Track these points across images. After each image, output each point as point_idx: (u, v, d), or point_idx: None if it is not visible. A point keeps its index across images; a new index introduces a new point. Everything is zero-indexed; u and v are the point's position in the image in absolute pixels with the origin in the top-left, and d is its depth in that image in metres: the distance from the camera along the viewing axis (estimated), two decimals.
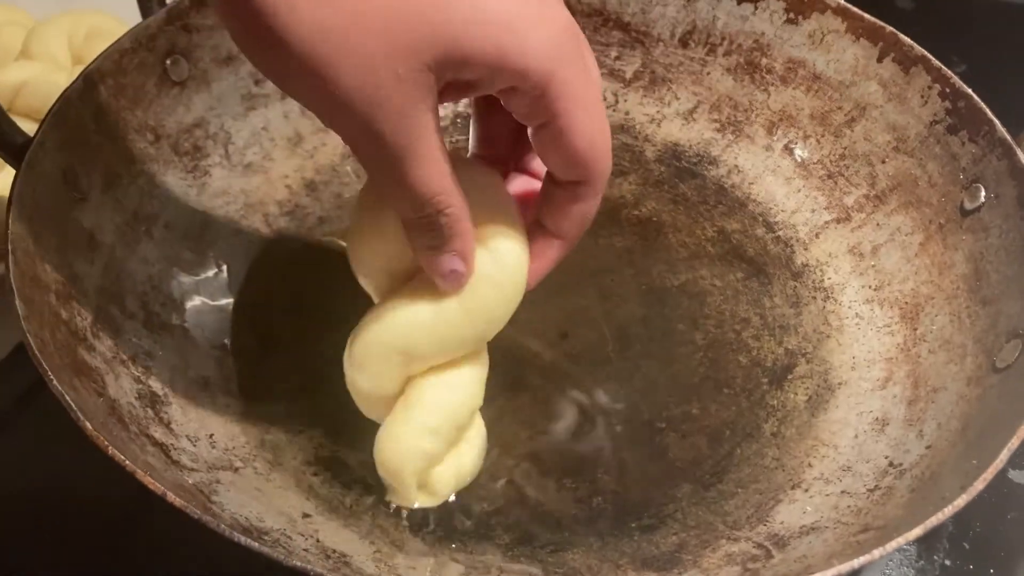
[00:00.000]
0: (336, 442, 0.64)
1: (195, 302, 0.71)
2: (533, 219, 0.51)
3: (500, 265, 0.50)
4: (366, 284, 0.55)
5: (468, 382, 0.56)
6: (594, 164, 0.45)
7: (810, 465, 0.64)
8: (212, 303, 0.71)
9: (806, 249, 0.78)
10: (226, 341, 0.70)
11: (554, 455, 0.64)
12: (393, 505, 0.60)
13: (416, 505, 0.60)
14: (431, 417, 0.54)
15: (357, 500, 0.61)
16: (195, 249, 0.73)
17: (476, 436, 0.61)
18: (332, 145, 0.83)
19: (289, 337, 0.70)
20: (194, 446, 0.60)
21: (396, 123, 0.39)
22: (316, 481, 0.62)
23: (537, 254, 0.51)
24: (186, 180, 0.75)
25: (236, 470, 0.61)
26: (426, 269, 0.49)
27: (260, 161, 0.80)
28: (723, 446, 0.66)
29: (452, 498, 0.60)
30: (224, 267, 0.74)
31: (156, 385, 0.63)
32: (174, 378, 0.65)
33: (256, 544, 0.45)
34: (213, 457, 0.61)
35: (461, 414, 0.56)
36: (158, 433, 0.59)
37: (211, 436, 0.62)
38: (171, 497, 0.46)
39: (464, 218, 0.45)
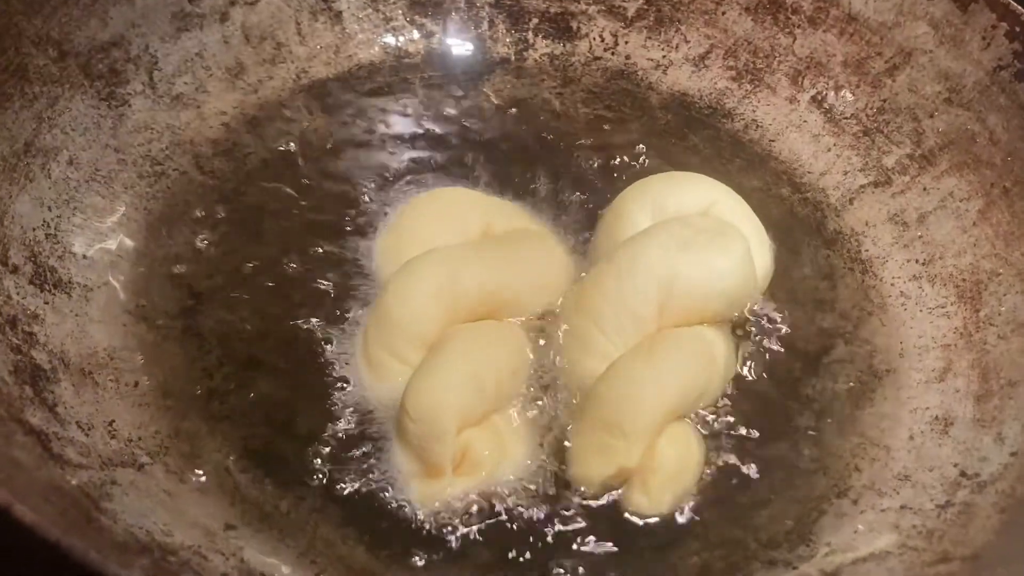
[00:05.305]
0: (273, 429, 0.52)
1: (101, 256, 0.57)
2: None
3: None
4: None
5: (508, 336, 0.53)
6: None
7: (857, 469, 0.53)
8: (123, 258, 0.58)
9: (838, 215, 0.67)
10: (139, 303, 0.56)
11: (549, 452, 0.52)
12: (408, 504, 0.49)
13: (445, 493, 0.49)
14: (468, 362, 0.50)
15: (296, 504, 0.49)
16: (105, 192, 0.60)
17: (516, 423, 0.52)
18: (281, 78, 0.71)
19: (219, 300, 0.57)
20: (86, 436, 0.47)
21: None
22: (244, 480, 0.49)
23: None
24: (99, 109, 0.62)
25: (141, 467, 0.47)
26: None
27: (192, 93, 0.67)
28: (750, 440, 0.54)
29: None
30: (141, 216, 0.60)
31: (41, 357, 0.50)
32: (67, 348, 0.51)
33: None
34: (111, 450, 0.47)
35: (500, 366, 0.51)
36: (36, 418, 0.46)
37: (111, 423, 0.49)
38: (18, 510, 0.33)
39: None
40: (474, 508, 0.49)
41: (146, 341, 0.55)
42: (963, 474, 0.50)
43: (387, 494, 0.49)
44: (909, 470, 0.52)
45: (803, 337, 0.59)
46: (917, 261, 0.63)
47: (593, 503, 0.50)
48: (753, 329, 0.59)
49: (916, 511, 0.49)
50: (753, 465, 0.53)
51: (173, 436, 0.50)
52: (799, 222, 0.66)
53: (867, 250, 0.64)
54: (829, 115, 0.70)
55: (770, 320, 0.60)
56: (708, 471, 0.52)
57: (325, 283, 0.58)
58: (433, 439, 0.48)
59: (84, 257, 0.56)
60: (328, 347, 0.55)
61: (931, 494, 0.49)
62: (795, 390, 0.57)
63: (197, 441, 0.50)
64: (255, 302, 0.57)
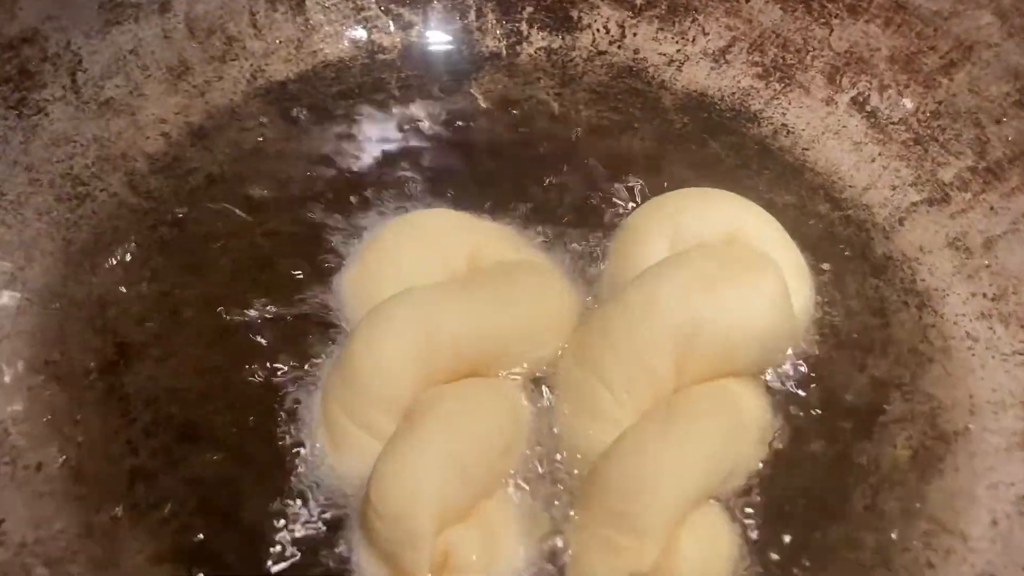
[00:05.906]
0: (211, 522, 0.44)
1: (5, 302, 0.49)
2: None
3: None
4: None
5: (499, 400, 0.45)
6: None
7: (930, 564, 0.44)
8: (33, 303, 0.50)
9: (887, 238, 0.57)
10: (50, 359, 0.48)
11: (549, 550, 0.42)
12: None
13: None
14: (450, 438, 0.42)
15: None
16: (13, 221, 0.53)
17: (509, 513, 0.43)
18: (232, 78, 0.63)
19: (150, 353, 0.49)
20: None
21: None
22: None
23: None
24: (6, 120, 0.55)
25: None
26: None
27: (125, 97, 0.59)
28: (794, 526, 0.44)
29: None
30: (59, 248, 0.52)
31: None
32: None
33: None
34: None
35: (491, 440, 0.43)
36: None
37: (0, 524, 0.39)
38: None
39: None
40: None
41: (57, 407, 0.47)
42: None
43: None
44: (995, 568, 0.43)
45: (852, 390, 0.50)
46: (985, 296, 0.53)
47: None
48: (792, 383, 0.49)
49: None
50: (799, 560, 0.43)
51: (83, 535, 0.42)
52: (841, 245, 0.57)
53: (923, 280, 0.55)
54: (873, 119, 0.62)
55: (812, 369, 0.50)
56: (744, 570, 0.43)
57: (281, 329, 0.50)
58: (405, 543, 0.39)
59: None
60: (283, 412, 0.47)
61: None
62: (846, 458, 0.48)
63: (114, 541, 0.42)
64: (195, 354, 0.50)
